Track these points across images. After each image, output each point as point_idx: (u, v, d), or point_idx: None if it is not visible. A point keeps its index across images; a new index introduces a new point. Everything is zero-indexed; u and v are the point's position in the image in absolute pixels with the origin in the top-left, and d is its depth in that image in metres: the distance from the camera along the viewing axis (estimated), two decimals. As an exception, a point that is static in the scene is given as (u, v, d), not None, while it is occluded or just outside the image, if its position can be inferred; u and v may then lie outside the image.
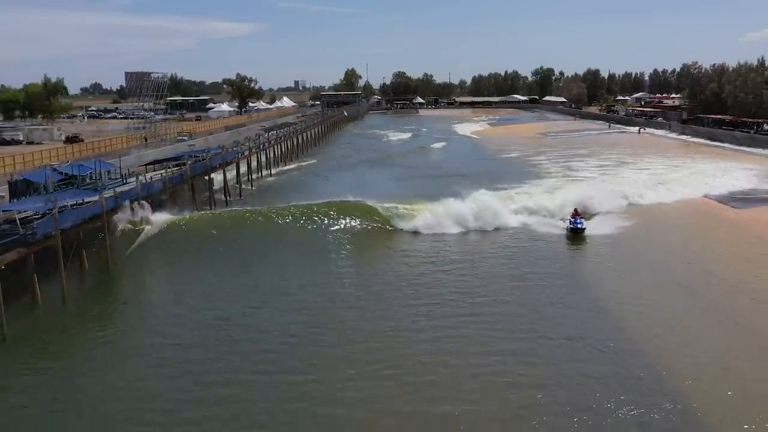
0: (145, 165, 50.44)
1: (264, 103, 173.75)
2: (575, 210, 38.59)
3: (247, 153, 60.53)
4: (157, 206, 38.25)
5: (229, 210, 43.50)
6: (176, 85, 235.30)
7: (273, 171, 68.33)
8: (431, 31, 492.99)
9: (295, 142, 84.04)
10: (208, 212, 42.19)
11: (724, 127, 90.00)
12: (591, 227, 37.75)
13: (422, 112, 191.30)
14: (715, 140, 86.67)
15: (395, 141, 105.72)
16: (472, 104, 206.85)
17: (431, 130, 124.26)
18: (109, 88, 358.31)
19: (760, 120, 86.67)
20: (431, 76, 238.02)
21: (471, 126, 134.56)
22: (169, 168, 47.00)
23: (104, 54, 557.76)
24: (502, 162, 75.06)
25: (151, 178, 41.54)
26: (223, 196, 50.50)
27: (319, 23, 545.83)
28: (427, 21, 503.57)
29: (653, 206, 45.48)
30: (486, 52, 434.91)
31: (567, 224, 37.78)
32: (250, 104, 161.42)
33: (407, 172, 65.97)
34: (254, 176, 61.93)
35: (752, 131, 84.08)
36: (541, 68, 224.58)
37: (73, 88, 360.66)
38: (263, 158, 66.73)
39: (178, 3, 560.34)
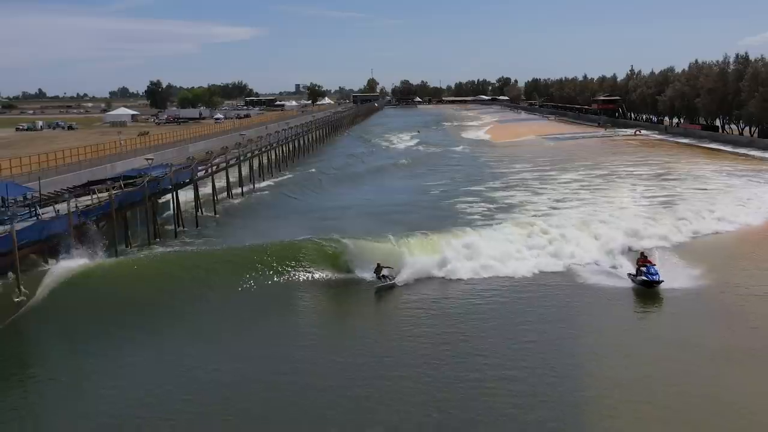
0: (74, 188, 40.14)
1: (328, 99, 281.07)
2: (643, 255, 29.47)
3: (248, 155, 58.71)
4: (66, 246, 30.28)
5: (164, 252, 34.59)
6: (240, 89, 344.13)
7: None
8: (426, 37, 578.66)
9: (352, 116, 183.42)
10: (139, 255, 34.03)
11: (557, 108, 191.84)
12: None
13: (420, 107, 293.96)
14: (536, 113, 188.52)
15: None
16: (452, 102, 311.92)
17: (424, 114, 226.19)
18: (135, 92, 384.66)
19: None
20: (426, 82, 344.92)
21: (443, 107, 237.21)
22: (113, 189, 36.52)
23: (105, 58, 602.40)
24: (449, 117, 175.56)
25: (77, 205, 33.10)
26: (191, 222, 42.46)
27: (315, 27, 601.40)
28: (422, 27, 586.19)
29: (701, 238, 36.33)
30: (469, 62, 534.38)
31: (632, 274, 28.85)
32: (319, 101, 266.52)
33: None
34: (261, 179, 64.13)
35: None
36: (502, 77, 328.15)
37: (100, 92, 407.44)
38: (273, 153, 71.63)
39: (179, 7, 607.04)
